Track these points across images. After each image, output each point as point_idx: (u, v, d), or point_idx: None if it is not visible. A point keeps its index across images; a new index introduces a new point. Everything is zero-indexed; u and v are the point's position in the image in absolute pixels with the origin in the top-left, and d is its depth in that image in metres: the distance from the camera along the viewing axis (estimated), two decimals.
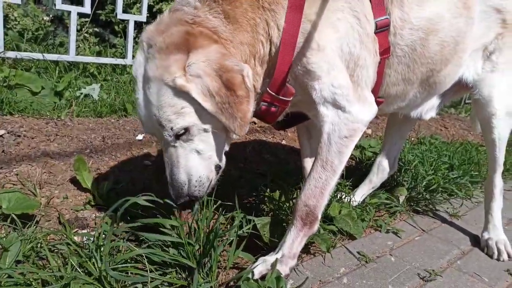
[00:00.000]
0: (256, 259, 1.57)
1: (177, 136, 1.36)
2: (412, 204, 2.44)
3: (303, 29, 1.34)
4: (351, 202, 2.19)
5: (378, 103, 1.67)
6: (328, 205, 2.06)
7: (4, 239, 1.36)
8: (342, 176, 2.28)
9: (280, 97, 1.44)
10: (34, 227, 1.57)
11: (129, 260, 1.43)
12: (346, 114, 1.45)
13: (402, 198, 2.36)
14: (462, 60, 1.79)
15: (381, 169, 2.30)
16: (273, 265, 1.49)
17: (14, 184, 1.91)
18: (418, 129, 4.59)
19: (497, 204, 2.08)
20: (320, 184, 1.51)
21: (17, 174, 1.98)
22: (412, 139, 4.14)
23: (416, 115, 1.97)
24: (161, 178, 2.24)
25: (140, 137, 2.71)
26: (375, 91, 1.62)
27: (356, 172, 2.72)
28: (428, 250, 1.97)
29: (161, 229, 1.51)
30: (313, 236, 1.77)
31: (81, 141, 2.50)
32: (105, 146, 2.53)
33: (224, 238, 1.59)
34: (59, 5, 3.29)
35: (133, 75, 1.40)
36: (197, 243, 1.48)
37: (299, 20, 1.31)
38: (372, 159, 2.86)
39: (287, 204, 1.96)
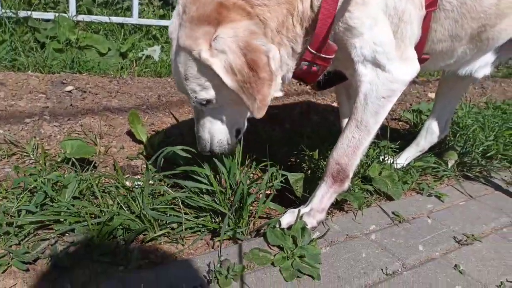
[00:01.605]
0: (287, 210, 1.64)
1: (201, 104, 1.44)
2: (464, 169, 2.31)
3: None
4: (395, 165, 2.14)
5: (423, 60, 1.59)
6: (368, 166, 2.05)
7: (63, 177, 1.57)
8: (388, 139, 2.25)
9: (322, 55, 1.39)
10: (92, 170, 1.79)
11: (168, 203, 1.59)
12: (386, 73, 1.40)
13: (451, 163, 2.24)
14: None
15: (430, 132, 2.19)
16: (300, 216, 1.56)
17: (78, 134, 2.16)
18: (489, 94, 4.22)
19: None
20: (353, 143, 1.51)
21: (81, 125, 2.23)
22: (480, 103, 3.83)
23: (466, 73, 1.83)
24: None
25: None
26: (420, 47, 1.54)
27: (407, 136, 2.62)
28: (472, 215, 1.89)
29: (198, 177, 1.63)
30: (346, 194, 1.79)
31: (139, 98, 2.71)
32: (160, 103, 2.72)
33: (256, 190, 1.68)
34: None
35: (169, 36, 1.44)
36: (228, 192, 1.59)
37: None
38: None
39: (324, 163, 1.98)
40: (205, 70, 1.30)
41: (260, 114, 1.32)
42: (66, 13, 3.44)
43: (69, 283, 1.19)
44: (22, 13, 3.21)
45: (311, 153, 2.14)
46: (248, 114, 1.57)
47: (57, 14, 3.33)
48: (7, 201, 1.51)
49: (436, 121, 2.20)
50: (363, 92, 1.44)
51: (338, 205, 1.80)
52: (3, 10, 3.13)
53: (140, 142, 2.20)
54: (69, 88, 2.51)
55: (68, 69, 2.87)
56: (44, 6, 3.79)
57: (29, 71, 2.73)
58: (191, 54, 1.30)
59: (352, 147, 1.52)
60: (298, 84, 3.64)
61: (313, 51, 1.38)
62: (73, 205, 1.47)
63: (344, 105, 2.02)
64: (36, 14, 3.27)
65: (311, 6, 1.33)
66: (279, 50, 1.34)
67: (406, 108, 3.48)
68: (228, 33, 1.24)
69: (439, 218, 1.83)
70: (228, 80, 1.27)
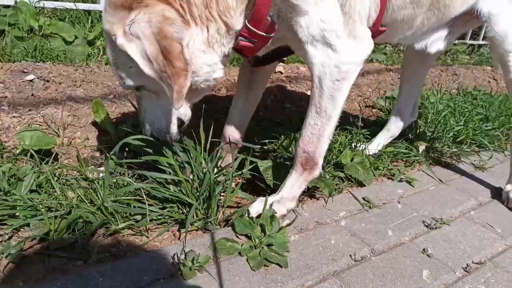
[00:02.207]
0: (256, 199, 1.61)
1: (136, 89, 1.40)
2: (434, 155, 2.33)
3: None
4: (366, 151, 2.14)
5: (380, 33, 1.54)
6: (340, 152, 2.04)
7: (18, 170, 1.49)
8: (360, 125, 2.25)
9: (260, 32, 1.31)
10: (53, 163, 1.70)
11: (132, 195, 1.53)
12: (337, 54, 1.34)
13: (421, 148, 2.26)
14: None
15: (399, 117, 2.20)
16: (269, 204, 1.53)
17: (40, 125, 2.06)
18: (461, 80, 4.29)
19: None
20: (316, 130, 1.48)
21: (43, 116, 2.12)
22: (453, 90, 3.89)
23: (421, 46, 1.79)
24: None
25: None
26: (378, 18, 1.48)
27: (381, 122, 2.62)
28: (441, 199, 1.90)
29: (163, 167, 1.58)
30: (318, 181, 1.77)
31: (105, 87, 2.61)
32: (128, 92, 2.62)
33: (225, 178, 1.63)
34: None
35: None
36: (195, 182, 1.54)
37: None
38: None
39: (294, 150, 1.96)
40: (126, 56, 1.23)
41: (177, 105, 1.24)
42: None
43: (21, 280, 1.13)
44: None
45: (283, 141, 2.11)
46: (188, 105, 1.51)
47: (18, 0, 3.16)
48: None
49: (404, 106, 2.20)
50: (316, 75, 1.40)
51: (309, 192, 1.78)
52: None
53: (107, 132, 2.12)
54: (31, 77, 2.39)
55: (31, 58, 2.73)
56: None
57: None
58: (112, 39, 1.24)
59: (316, 134, 1.49)
60: (273, 73, 3.59)
61: (251, 27, 1.30)
62: (29, 199, 1.39)
63: (239, 100, 1.85)
64: None
65: None
66: (207, 26, 1.26)
67: (380, 95, 3.49)
68: (142, 17, 1.17)
69: (409, 203, 1.84)
70: (145, 67, 1.21)
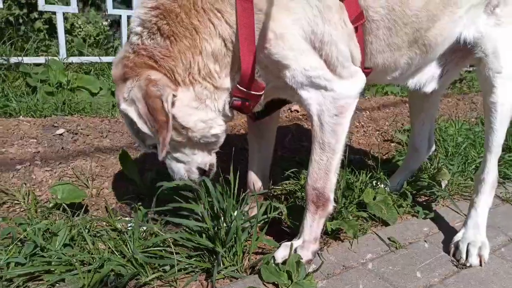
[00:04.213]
0: (280, 245, 1.62)
1: (154, 147, 1.50)
2: (458, 189, 2.31)
3: (256, 20, 1.29)
4: (388, 188, 2.14)
5: (366, 73, 1.56)
6: (362, 191, 2.04)
7: (53, 225, 1.56)
8: (378, 162, 2.26)
9: (251, 92, 1.41)
10: (83, 215, 1.78)
11: (161, 244, 1.57)
12: (330, 92, 1.40)
13: (444, 183, 2.24)
14: (457, 16, 1.58)
15: (416, 152, 2.19)
16: (294, 250, 1.54)
17: (70, 177, 2.15)
18: (480, 109, 4.26)
19: (485, 200, 1.78)
20: (323, 166, 1.51)
21: (73, 168, 2.22)
22: (472, 119, 3.87)
23: (415, 86, 1.78)
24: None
25: None
26: (360, 60, 1.51)
27: (401, 157, 2.63)
28: None
29: (189, 214, 1.62)
30: (341, 222, 1.78)
31: (130, 136, 2.71)
32: None
33: (249, 224, 1.66)
34: (111, 11, 3.56)
35: None
36: (222, 229, 1.57)
37: (250, 9, 1.26)
38: None
39: None
40: (133, 121, 1.42)
41: (160, 156, 1.42)
42: (57, 56, 3.50)
43: None
44: (13, 59, 3.26)
45: (300, 182, 2.14)
46: (212, 154, 1.62)
47: (48, 58, 3.39)
48: None
49: (419, 142, 2.19)
50: (315, 113, 1.45)
51: (333, 234, 1.79)
52: None
53: (132, 181, 2.20)
54: (60, 131, 2.53)
55: (60, 112, 2.89)
56: (36, 50, 3.86)
57: (21, 116, 2.75)
58: (121, 110, 1.45)
59: (323, 169, 1.51)
60: (289, 111, 3.67)
61: (242, 88, 1.40)
62: (63, 254, 1.45)
63: (254, 151, 1.91)
64: (27, 59, 3.33)
65: (225, 45, 1.34)
66: (193, 87, 1.39)
67: (397, 128, 3.51)
68: (134, 84, 1.37)
69: (435, 241, 1.81)
70: (143, 126, 1.40)
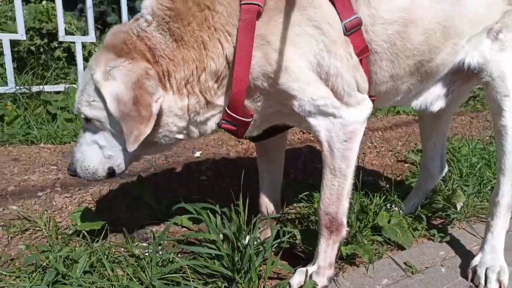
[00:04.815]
0: (295, 270, 1.63)
1: (85, 120, 1.48)
2: (474, 211, 2.29)
3: (262, 52, 1.34)
4: (401, 211, 2.13)
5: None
6: (376, 215, 2.04)
7: (73, 252, 1.60)
8: (392, 183, 2.25)
9: (239, 117, 1.44)
10: (102, 241, 1.82)
11: (178, 271, 1.60)
12: (339, 119, 1.44)
13: (459, 205, 2.22)
14: (459, 46, 1.62)
15: (429, 173, 2.19)
16: (310, 276, 1.55)
17: (88, 203, 2.21)
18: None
19: (501, 223, 1.75)
20: (335, 191, 1.53)
21: (91, 194, 2.29)
22: (486, 137, 3.84)
23: (421, 107, 1.79)
24: (216, 193, 2.42)
25: (197, 154, 2.93)
26: (367, 89, 1.55)
27: (414, 178, 2.63)
28: None
29: (204, 243, 1.65)
30: (356, 247, 1.78)
31: (146, 161, 2.78)
32: (167, 164, 2.79)
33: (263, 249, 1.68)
34: None
35: None
36: (236, 255, 1.59)
37: (250, 42, 1.30)
38: None
39: None
40: (96, 90, 1.38)
41: (131, 147, 1.37)
42: (75, 83, 3.63)
43: None
44: (35, 88, 3.40)
45: (316, 204, 2.15)
46: (127, 157, 1.54)
47: (67, 85, 3.52)
48: (20, 280, 1.54)
49: (431, 163, 2.19)
50: (324, 140, 1.47)
51: (348, 259, 1.79)
52: (18, 87, 3.32)
53: (149, 205, 2.24)
54: None
55: None
56: (56, 77, 4.02)
57: (41, 143, 2.84)
58: (90, 72, 1.40)
59: (334, 194, 1.53)
60: (301, 132, 3.71)
61: (230, 112, 1.42)
62: (84, 281, 1.49)
63: (264, 173, 1.93)
64: (48, 88, 3.46)
65: (228, 67, 1.37)
66: (187, 97, 1.41)
67: (410, 148, 3.50)
68: (125, 65, 1.35)
69: (452, 266, 1.80)
70: (112, 106, 1.34)
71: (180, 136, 1.51)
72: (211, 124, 1.50)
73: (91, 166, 1.53)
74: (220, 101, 1.44)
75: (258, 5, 1.31)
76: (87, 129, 1.52)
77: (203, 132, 1.53)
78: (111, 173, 1.56)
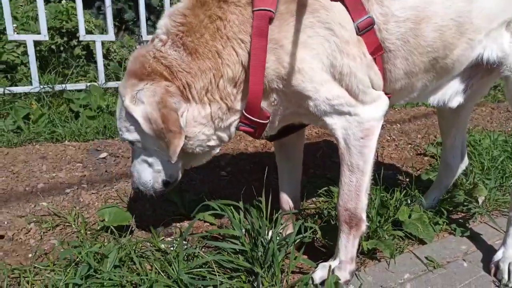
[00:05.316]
0: (317, 265, 1.67)
1: (130, 143, 1.59)
2: (496, 205, 2.28)
3: (276, 55, 1.37)
4: (422, 206, 2.14)
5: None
6: (397, 209, 2.06)
7: (103, 247, 1.67)
8: (412, 178, 2.25)
9: (256, 119, 1.49)
10: (129, 236, 1.89)
11: (203, 265, 1.65)
12: (355, 117, 1.46)
13: (481, 199, 2.21)
14: (476, 41, 1.59)
15: (449, 167, 2.18)
16: (332, 270, 1.58)
17: (114, 199, 2.28)
18: None
19: None
20: (353, 187, 1.55)
21: (116, 191, 2.36)
22: (508, 129, 3.78)
23: (439, 103, 1.78)
24: (236, 187, 2.46)
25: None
26: (382, 87, 1.55)
27: (435, 171, 2.62)
28: None
29: (228, 238, 1.70)
30: (378, 242, 1.80)
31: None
32: None
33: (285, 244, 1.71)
34: (145, 37, 3.74)
35: None
36: (259, 250, 1.64)
37: (264, 46, 1.34)
38: None
39: None
40: (129, 115, 1.48)
41: (173, 159, 1.47)
42: (96, 81, 3.71)
43: None
44: (58, 87, 3.49)
45: (336, 199, 2.17)
46: (175, 168, 1.65)
47: (88, 84, 3.60)
48: (55, 273, 1.61)
49: (451, 158, 2.18)
50: (341, 137, 1.50)
51: (369, 254, 1.81)
52: (42, 86, 3.41)
53: (172, 201, 2.30)
54: (103, 154, 2.68)
55: (101, 136, 3.06)
56: (76, 75, 4.10)
57: (66, 141, 2.93)
58: (122, 99, 1.48)
59: (353, 190, 1.55)
60: (319, 127, 3.71)
61: (247, 115, 1.48)
62: (114, 275, 1.55)
63: (283, 171, 1.96)
64: (70, 86, 3.55)
65: (245, 72, 1.41)
66: (209, 105, 1.47)
67: (430, 141, 3.47)
68: (149, 87, 1.43)
69: (475, 260, 1.80)
70: (145, 127, 1.45)
71: (212, 143, 1.57)
72: (233, 129, 1.56)
73: (148, 181, 1.67)
74: (239, 105, 1.49)
75: (270, 11, 1.34)
76: (135, 150, 1.66)
77: (231, 135, 1.59)
78: (166, 183, 1.69)
